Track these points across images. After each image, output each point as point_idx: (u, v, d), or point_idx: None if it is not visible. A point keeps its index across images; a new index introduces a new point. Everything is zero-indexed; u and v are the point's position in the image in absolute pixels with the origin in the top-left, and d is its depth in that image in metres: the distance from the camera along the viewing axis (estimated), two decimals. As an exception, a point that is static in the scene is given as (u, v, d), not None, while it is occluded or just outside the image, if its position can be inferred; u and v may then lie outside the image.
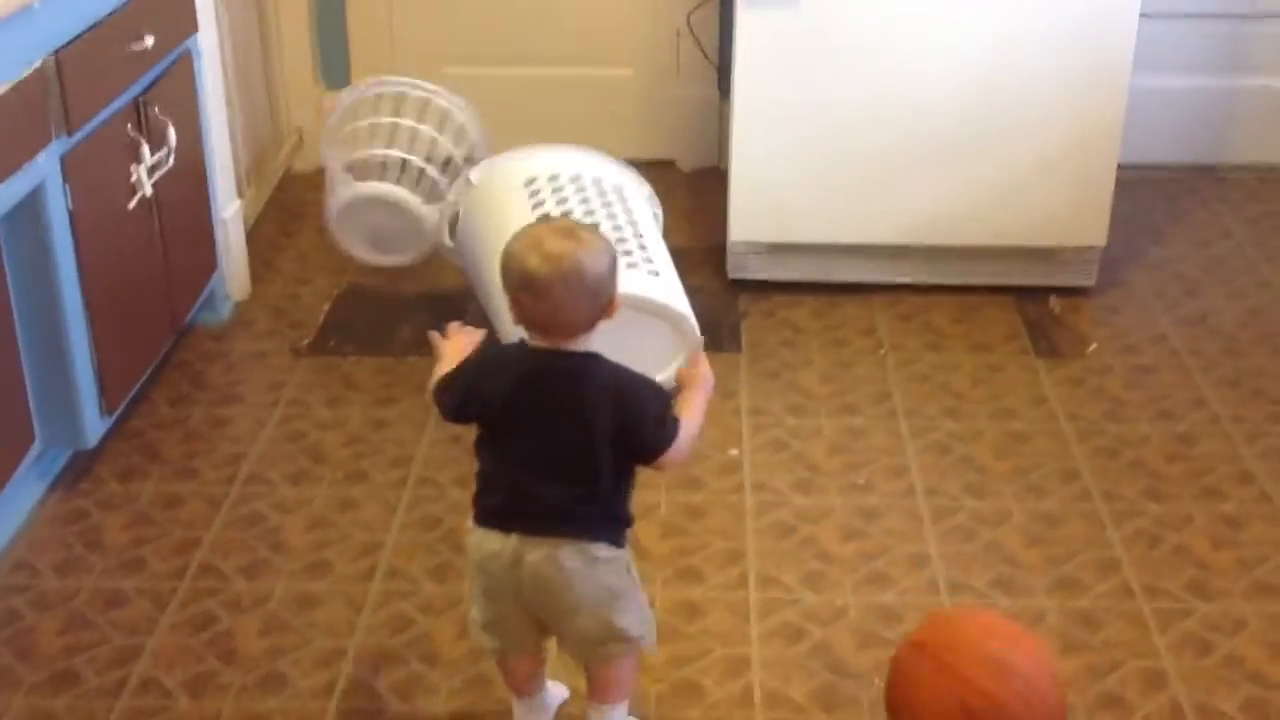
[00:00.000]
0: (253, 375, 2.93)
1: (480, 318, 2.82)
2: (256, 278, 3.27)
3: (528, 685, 1.94)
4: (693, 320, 2.79)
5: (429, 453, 2.66)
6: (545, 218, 2.16)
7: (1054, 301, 3.23)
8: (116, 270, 2.58)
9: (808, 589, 2.31)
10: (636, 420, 1.78)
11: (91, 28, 2.45)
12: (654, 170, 3.36)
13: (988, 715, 1.78)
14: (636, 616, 1.84)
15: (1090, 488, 2.58)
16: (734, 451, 2.68)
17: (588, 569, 1.78)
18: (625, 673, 1.89)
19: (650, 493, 2.53)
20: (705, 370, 1.92)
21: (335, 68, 3.86)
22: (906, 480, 2.60)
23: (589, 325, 1.78)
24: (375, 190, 3.04)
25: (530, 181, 2.95)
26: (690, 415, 1.84)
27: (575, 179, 3.00)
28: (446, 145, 3.12)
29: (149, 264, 2.73)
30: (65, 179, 2.37)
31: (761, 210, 3.19)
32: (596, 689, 1.90)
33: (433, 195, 3.07)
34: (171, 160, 2.73)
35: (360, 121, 3.14)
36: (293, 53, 3.79)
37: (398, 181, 3.06)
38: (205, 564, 2.35)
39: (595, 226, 1.90)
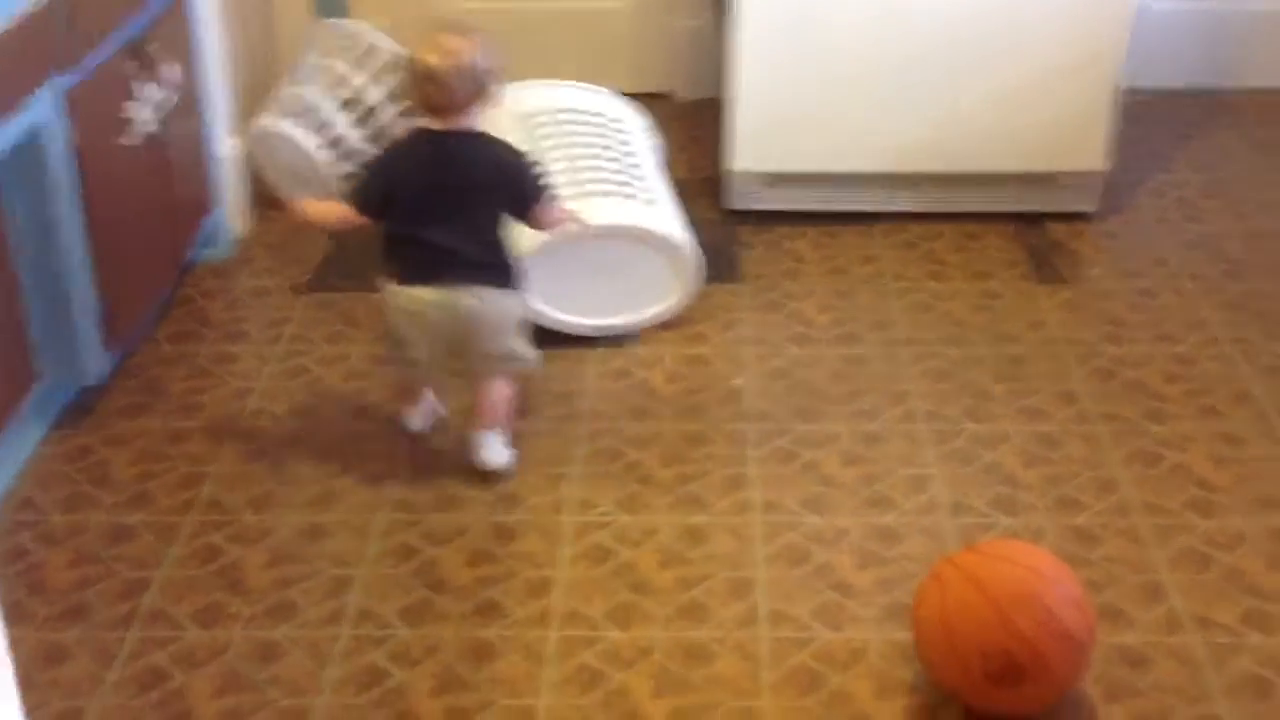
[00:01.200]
0: (255, 312, 2.94)
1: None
2: (258, 214, 3.27)
3: (422, 397, 2.50)
4: (690, 248, 2.79)
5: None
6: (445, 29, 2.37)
7: (1054, 227, 3.22)
8: (119, 206, 2.58)
9: (810, 512, 2.33)
10: (518, 180, 2.32)
11: (85, -37, 2.44)
12: (651, 103, 3.36)
13: (1029, 662, 1.81)
14: (524, 344, 2.42)
15: (1089, 409, 2.59)
16: (737, 381, 2.69)
17: (499, 309, 2.35)
18: (506, 399, 2.42)
19: (654, 423, 2.56)
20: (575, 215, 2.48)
21: (332, 4, 3.83)
22: (907, 405, 2.61)
23: (475, 104, 2.27)
24: (279, 128, 3.07)
25: (529, 117, 2.94)
26: (559, 205, 2.42)
27: (571, 112, 3.00)
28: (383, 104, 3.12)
29: (151, 200, 2.74)
30: (67, 116, 2.37)
31: (762, 140, 3.18)
32: (483, 413, 2.41)
33: (348, 150, 3.08)
34: (172, 96, 2.72)
35: (326, 60, 3.18)
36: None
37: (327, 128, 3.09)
38: (211, 498, 2.37)
39: (472, 28, 2.31)
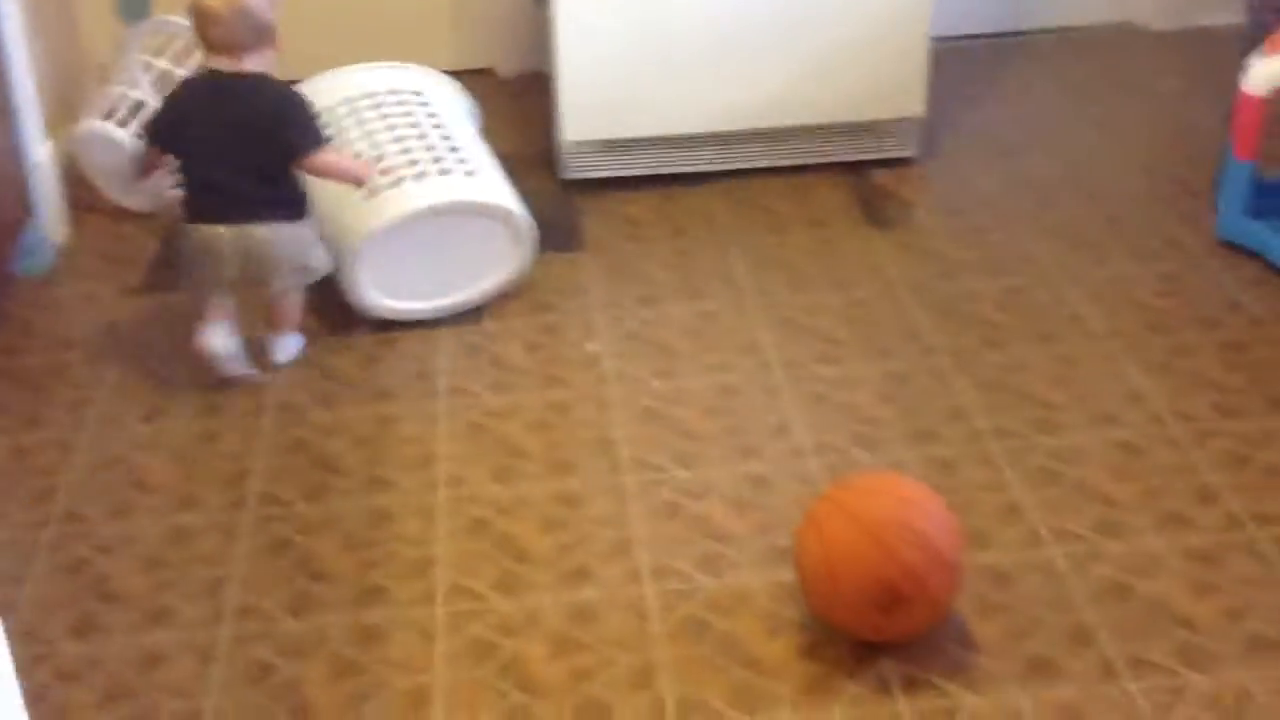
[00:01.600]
0: (85, 318, 2.84)
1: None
2: (77, 220, 3.15)
3: (221, 315, 2.58)
4: (519, 211, 2.79)
5: (283, 377, 2.63)
6: None
7: (879, 174, 3.32)
8: (-68, 221, 2.46)
9: (680, 466, 2.37)
10: (291, 123, 2.49)
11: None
12: (473, 79, 3.34)
13: (909, 588, 1.88)
14: (319, 256, 2.60)
15: (933, 344, 2.69)
16: (592, 347, 2.71)
17: (291, 237, 2.53)
18: (297, 304, 2.64)
19: (515, 394, 2.56)
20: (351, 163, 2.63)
21: (135, 4, 3.71)
22: (760, 356, 2.67)
23: (254, 48, 2.46)
24: (95, 127, 3.01)
25: (341, 104, 2.90)
26: (339, 155, 2.61)
27: (373, 95, 2.95)
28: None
29: (-35, 212, 2.62)
30: None
31: (591, 109, 3.20)
32: (279, 320, 2.64)
33: None
34: (-24, 102, 2.61)
35: (145, 57, 3.11)
36: (85, -14, 3.63)
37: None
38: (69, 510, 2.29)
39: None
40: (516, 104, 3.67)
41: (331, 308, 2.77)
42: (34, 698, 1.92)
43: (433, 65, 3.14)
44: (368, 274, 2.69)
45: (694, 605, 2.08)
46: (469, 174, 2.80)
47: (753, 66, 3.20)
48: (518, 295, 2.85)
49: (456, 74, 3.22)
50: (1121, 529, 2.20)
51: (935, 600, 1.94)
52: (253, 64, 2.47)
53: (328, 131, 2.59)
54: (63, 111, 3.42)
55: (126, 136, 3.04)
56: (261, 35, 2.47)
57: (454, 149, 2.83)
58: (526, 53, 3.84)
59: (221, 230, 2.48)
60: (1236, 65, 2.86)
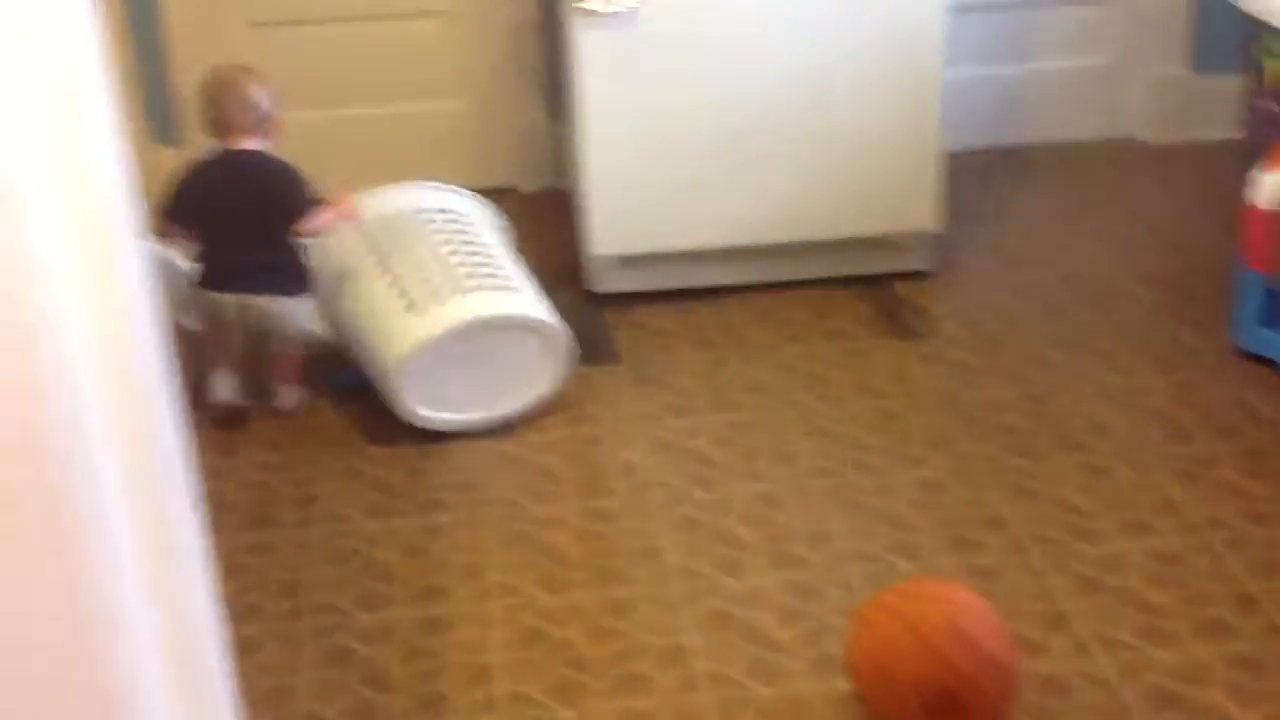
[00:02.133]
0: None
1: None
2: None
3: (229, 366, 2.88)
4: (557, 325, 2.87)
5: (332, 488, 2.67)
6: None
7: (899, 286, 3.42)
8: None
9: (725, 574, 2.42)
10: (288, 193, 2.80)
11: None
12: (497, 197, 3.43)
13: (965, 694, 1.93)
14: (310, 324, 2.89)
15: (963, 452, 2.76)
16: (631, 456, 2.77)
17: (289, 309, 2.84)
18: (298, 363, 2.91)
19: (558, 504, 2.61)
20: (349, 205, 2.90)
21: (165, 122, 3.81)
22: (794, 464, 2.74)
23: (254, 131, 2.80)
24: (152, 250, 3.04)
25: (379, 223, 2.97)
26: (328, 207, 2.85)
27: (415, 212, 3.03)
28: None
29: None
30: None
31: (617, 223, 3.29)
32: (280, 374, 2.91)
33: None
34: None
35: None
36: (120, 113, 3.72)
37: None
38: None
39: (259, 73, 2.86)
40: (539, 219, 3.75)
41: (376, 416, 2.83)
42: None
43: (459, 184, 3.23)
44: (411, 386, 2.75)
45: (751, 714, 2.11)
46: (509, 289, 2.88)
47: (771, 182, 3.30)
48: (554, 407, 2.92)
49: (481, 191, 3.31)
50: (1167, 637, 2.25)
51: (992, 706, 1.99)
52: (254, 145, 2.82)
53: (318, 194, 2.87)
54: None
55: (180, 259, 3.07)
56: (264, 121, 2.83)
57: (494, 265, 2.92)
58: (545, 171, 3.94)
59: (227, 298, 2.81)
60: (1234, 178, 2.98)
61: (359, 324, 2.86)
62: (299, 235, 2.85)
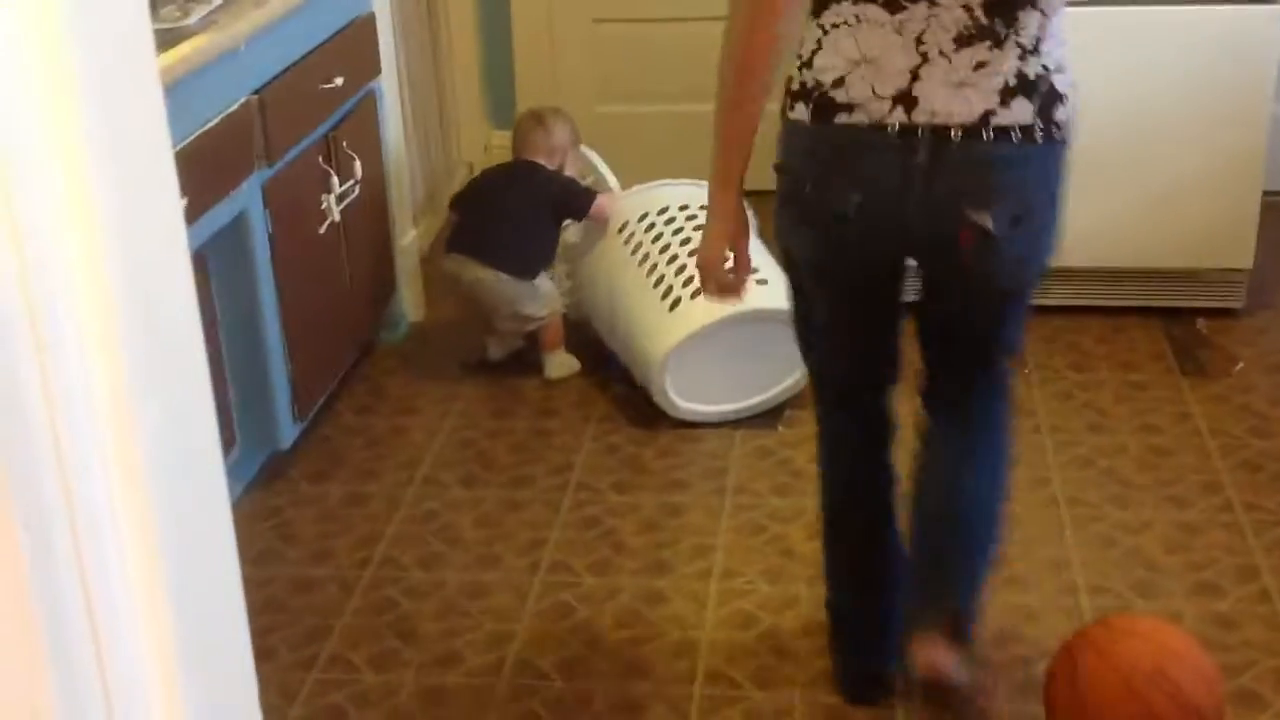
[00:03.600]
0: (428, 388, 3.15)
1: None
2: (429, 301, 3.50)
3: (497, 333, 3.19)
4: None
5: (587, 460, 2.84)
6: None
7: (1201, 322, 3.27)
8: (309, 289, 2.82)
9: (948, 588, 2.41)
10: (554, 182, 3.15)
11: (289, 68, 2.71)
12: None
13: None
14: (535, 308, 3.10)
15: (1232, 499, 2.63)
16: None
17: (514, 290, 3.08)
18: (554, 331, 3.15)
19: (806, 499, 2.67)
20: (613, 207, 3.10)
21: (502, 108, 4.11)
22: (1048, 491, 2.68)
23: (543, 151, 3.19)
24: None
25: (639, 219, 3.11)
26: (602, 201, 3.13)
27: (671, 210, 3.13)
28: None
29: (337, 285, 2.98)
30: (266, 205, 2.62)
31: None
32: (545, 344, 3.15)
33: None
34: (357, 191, 2.97)
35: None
36: (464, 93, 4.05)
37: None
38: (386, 556, 2.56)
39: (566, 114, 3.28)
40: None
41: (639, 402, 2.98)
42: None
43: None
44: (670, 379, 2.88)
45: (945, 724, 2.11)
46: (762, 281, 2.95)
47: (1082, 206, 3.21)
48: (810, 403, 2.97)
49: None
50: (1407, 711, 2.09)
51: (1188, 754, 1.91)
52: (541, 160, 3.18)
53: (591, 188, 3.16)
54: (429, 204, 3.82)
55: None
56: (556, 149, 3.19)
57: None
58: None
59: (460, 261, 3.10)
60: None
61: (617, 318, 3.01)
62: (566, 217, 3.14)
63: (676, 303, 2.89)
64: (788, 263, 2.02)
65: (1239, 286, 3.29)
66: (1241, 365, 3.11)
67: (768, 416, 2.95)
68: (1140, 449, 2.81)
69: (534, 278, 3.10)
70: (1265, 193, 3.20)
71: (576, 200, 3.13)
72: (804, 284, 2.01)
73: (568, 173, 3.22)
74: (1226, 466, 2.73)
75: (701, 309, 2.85)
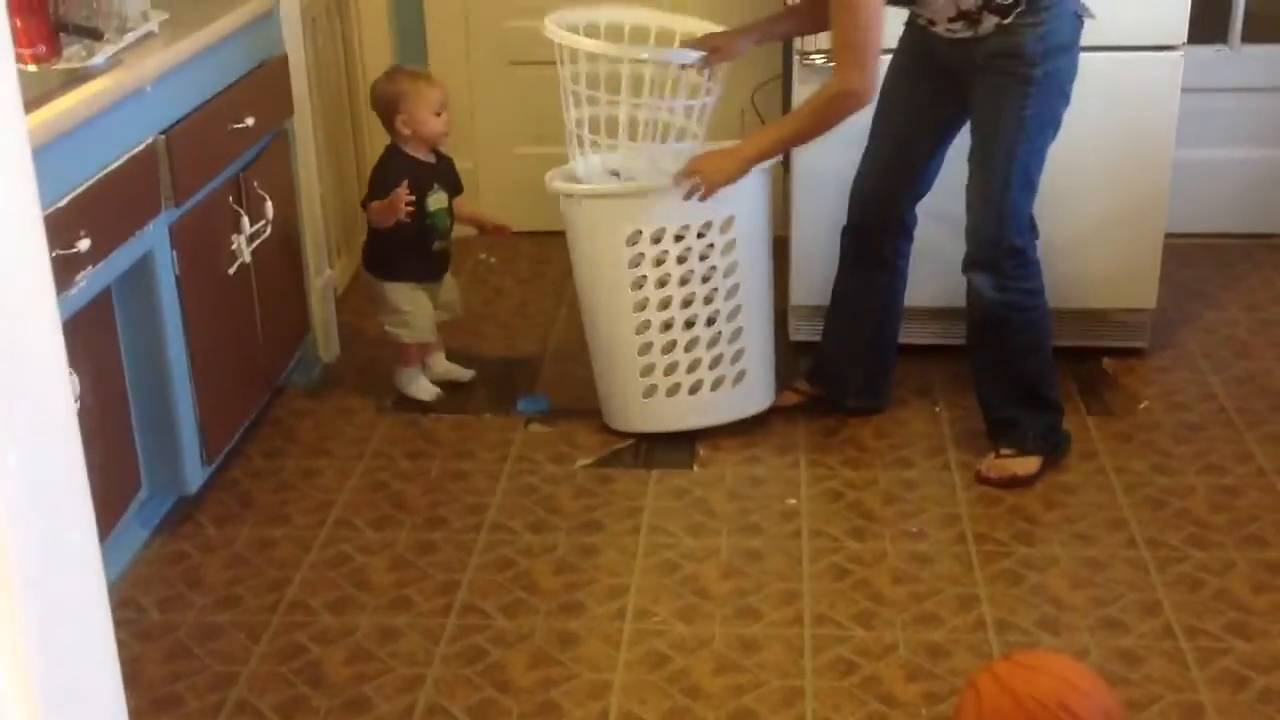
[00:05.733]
0: (340, 431, 3.12)
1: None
2: (344, 341, 3.48)
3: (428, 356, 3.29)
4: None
5: (502, 500, 2.82)
6: None
7: (1107, 362, 3.34)
8: (217, 331, 2.79)
9: (860, 626, 2.43)
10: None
11: (198, 109, 2.68)
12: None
13: None
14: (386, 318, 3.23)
15: (1136, 535, 2.68)
16: (791, 501, 2.81)
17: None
18: (397, 346, 3.24)
19: (712, 538, 2.68)
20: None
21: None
22: (958, 528, 2.72)
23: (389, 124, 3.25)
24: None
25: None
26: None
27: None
28: None
29: (247, 326, 2.95)
30: (173, 246, 2.59)
31: (818, 274, 3.34)
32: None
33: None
34: (269, 231, 2.95)
35: None
36: (379, 133, 4.03)
37: None
38: (295, 600, 2.52)
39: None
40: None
41: (556, 441, 2.98)
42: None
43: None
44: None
45: (853, 762, 2.12)
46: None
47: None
48: (729, 446, 2.99)
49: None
50: (1303, 742, 2.14)
51: (1090, 788, 1.94)
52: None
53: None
54: (345, 244, 3.80)
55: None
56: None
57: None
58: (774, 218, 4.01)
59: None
60: None
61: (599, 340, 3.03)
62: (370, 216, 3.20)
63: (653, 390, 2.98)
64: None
65: (1143, 327, 3.36)
66: (1146, 404, 3.17)
67: (684, 458, 2.96)
68: (1046, 486, 2.85)
69: (386, 280, 3.19)
70: (1168, 235, 3.29)
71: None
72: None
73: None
74: (1131, 503, 2.79)
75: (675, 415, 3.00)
